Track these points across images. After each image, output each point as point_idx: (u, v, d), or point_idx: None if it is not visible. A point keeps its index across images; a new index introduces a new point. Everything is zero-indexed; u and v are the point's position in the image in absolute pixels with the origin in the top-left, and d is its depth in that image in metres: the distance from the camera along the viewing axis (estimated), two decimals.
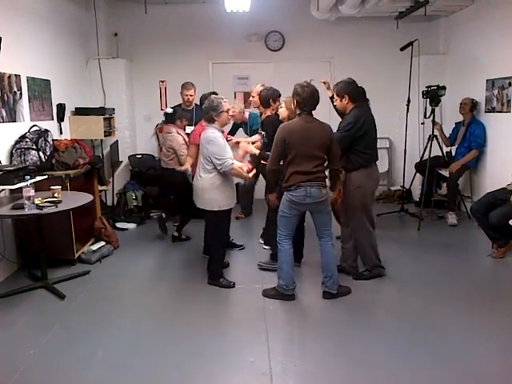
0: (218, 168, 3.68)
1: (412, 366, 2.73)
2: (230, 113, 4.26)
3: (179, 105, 5.73)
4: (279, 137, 3.43)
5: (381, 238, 5.11)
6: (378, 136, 6.71)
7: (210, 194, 3.75)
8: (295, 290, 3.62)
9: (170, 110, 5.11)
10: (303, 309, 3.51)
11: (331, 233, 3.62)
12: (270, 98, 4.30)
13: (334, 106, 4.09)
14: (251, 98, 4.98)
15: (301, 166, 3.38)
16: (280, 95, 4.38)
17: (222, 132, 3.88)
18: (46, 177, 4.09)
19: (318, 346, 2.99)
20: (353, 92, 3.76)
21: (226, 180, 3.77)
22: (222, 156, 3.67)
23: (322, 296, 3.61)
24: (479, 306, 3.47)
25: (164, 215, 5.16)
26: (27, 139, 4.24)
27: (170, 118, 5.06)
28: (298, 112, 3.47)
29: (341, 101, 3.79)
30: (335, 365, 2.77)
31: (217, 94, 4.71)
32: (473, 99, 5.73)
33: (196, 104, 5.50)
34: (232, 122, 5.45)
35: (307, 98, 3.38)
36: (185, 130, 5.18)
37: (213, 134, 3.73)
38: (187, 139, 4.93)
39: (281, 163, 3.55)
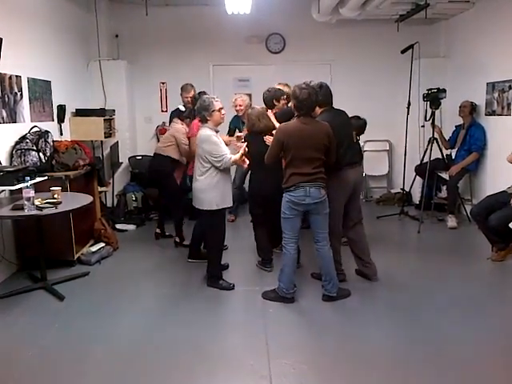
0: (218, 165, 3.67)
1: (412, 368, 2.72)
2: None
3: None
4: (276, 138, 3.47)
5: (381, 241, 5.16)
6: (378, 138, 6.78)
7: (207, 193, 3.75)
8: (295, 293, 3.61)
9: (182, 108, 5.13)
10: (303, 311, 3.50)
11: (327, 236, 3.61)
12: (273, 98, 4.38)
13: None
14: (238, 107, 5.34)
15: (300, 168, 3.39)
16: (283, 94, 4.43)
17: (217, 132, 3.85)
18: (46, 178, 4.08)
19: (318, 348, 2.99)
20: (320, 96, 3.70)
21: (222, 179, 3.76)
22: (219, 153, 3.66)
23: (322, 298, 3.61)
24: (479, 310, 3.46)
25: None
26: (27, 140, 4.24)
27: (180, 114, 5.05)
28: (296, 114, 3.49)
29: None
30: (335, 368, 2.76)
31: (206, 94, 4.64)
32: (472, 102, 5.73)
33: None
34: (229, 124, 5.49)
35: (303, 100, 3.37)
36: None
37: (206, 134, 3.74)
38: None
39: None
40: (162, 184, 5.05)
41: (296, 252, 3.63)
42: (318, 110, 3.74)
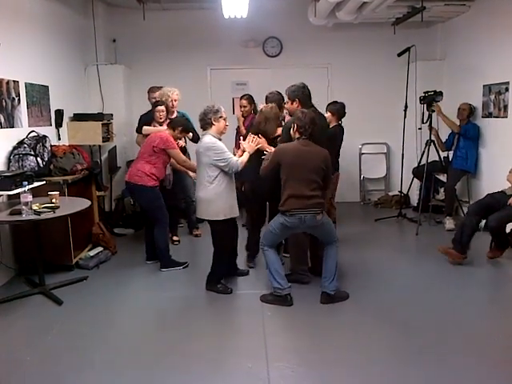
0: (227, 170, 3.67)
1: (411, 373, 2.71)
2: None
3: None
4: (273, 158, 3.54)
5: (379, 243, 5.17)
6: (376, 141, 6.80)
7: (214, 203, 3.70)
8: (292, 296, 3.61)
9: None
10: (301, 314, 3.49)
11: (335, 240, 3.66)
12: (282, 101, 4.38)
13: None
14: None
15: (297, 189, 3.42)
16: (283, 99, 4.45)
17: (220, 140, 3.81)
18: (44, 182, 4.09)
19: (316, 351, 2.98)
20: (303, 96, 3.91)
21: (228, 188, 3.75)
22: (225, 157, 3.66)
23: (320, 298, 3.61)
24: (478, 312, 3.48)
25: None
26: (25, 145, 4.24)
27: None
28: (297, 136, 3.54)
29: (291, 104, 3.94)
30: (333, 371, 2.75)
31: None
32: (470, 104, 5.74)
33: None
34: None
35: (307, 124, 3.47)
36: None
37: (211, 140, 3.71)
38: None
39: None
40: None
41: (275, 249, 3.69)
42: (295, 105, 3.89)
